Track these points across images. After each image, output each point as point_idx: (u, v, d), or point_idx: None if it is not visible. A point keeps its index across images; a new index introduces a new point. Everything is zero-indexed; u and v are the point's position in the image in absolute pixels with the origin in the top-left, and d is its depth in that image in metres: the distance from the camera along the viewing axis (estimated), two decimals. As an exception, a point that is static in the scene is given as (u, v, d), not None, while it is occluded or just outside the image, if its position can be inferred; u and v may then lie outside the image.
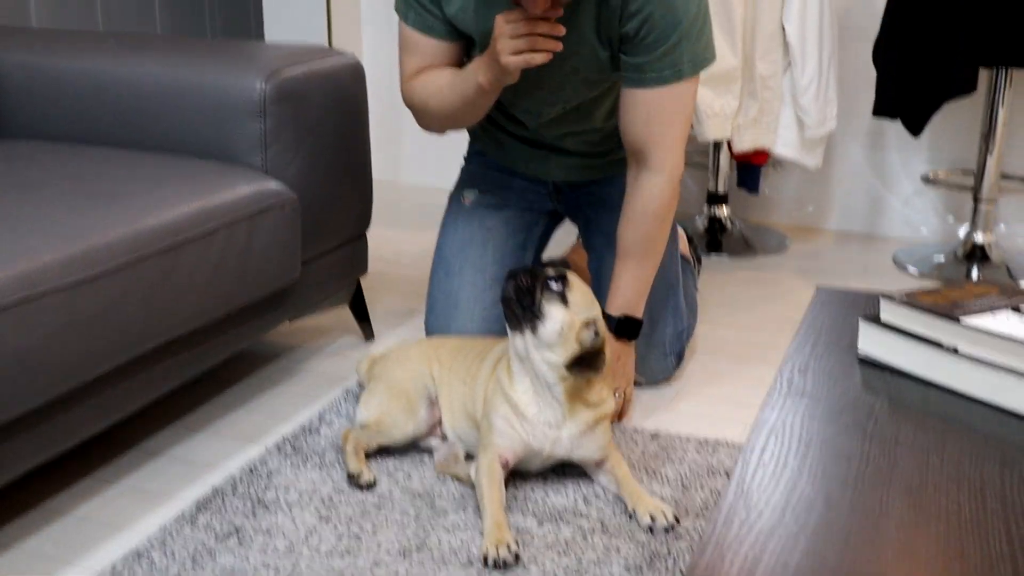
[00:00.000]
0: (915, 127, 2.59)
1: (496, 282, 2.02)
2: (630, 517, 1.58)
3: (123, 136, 1.99)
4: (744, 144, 2.68)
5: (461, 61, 1.88)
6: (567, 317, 1.54)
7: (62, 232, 1.49)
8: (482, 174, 2.14)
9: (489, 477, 1.57)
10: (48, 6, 3.77)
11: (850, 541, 0.85)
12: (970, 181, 2.84)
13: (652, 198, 1.84)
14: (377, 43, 3.55)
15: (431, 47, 1.85)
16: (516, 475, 1.66)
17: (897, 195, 3.06)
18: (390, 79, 3.51)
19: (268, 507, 1.61)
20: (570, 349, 1.54)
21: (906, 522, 0.88)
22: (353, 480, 1.66)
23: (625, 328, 1.89)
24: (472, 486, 1.64)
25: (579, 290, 1.58)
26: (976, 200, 2.79)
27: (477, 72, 1.74)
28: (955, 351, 1.11)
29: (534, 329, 1.54)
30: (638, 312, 1.90)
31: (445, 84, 1.83)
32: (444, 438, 1.76)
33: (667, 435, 1.84)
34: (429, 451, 1.77)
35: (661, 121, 1.80)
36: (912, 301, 1.16)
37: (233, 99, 1.88)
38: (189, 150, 1.93)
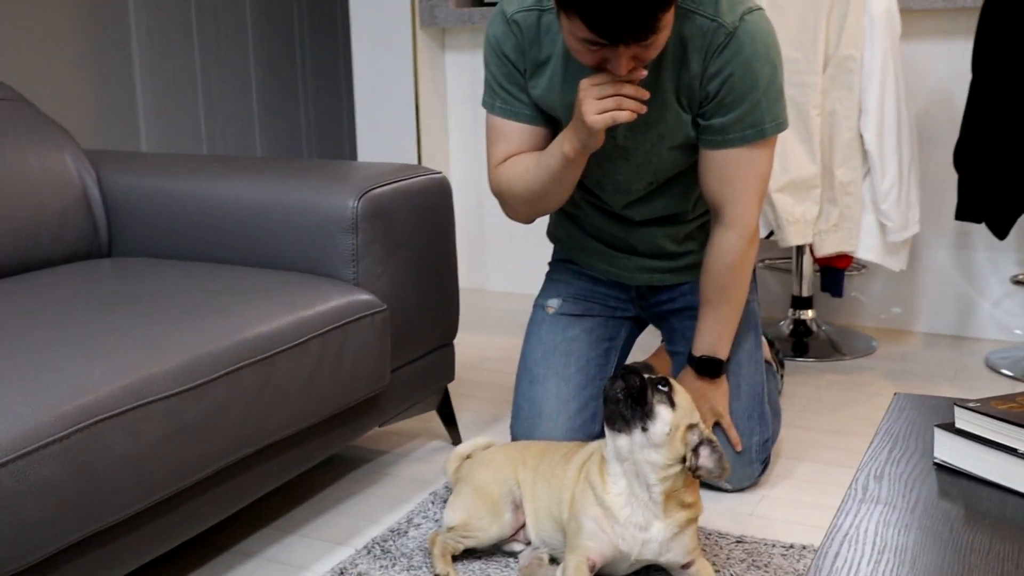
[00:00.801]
0: (1000, 231, 2.58)
1: (580, 390, 2.06)
2: (714, 624, 1.57)
3: (225, 252, 2.11)
4: (826, 249, 2.69)
5: (546, 146, 1.92)
6: (674, 419, 1.58)
7: (168, 344, 1.58)
8: (566, 282, 2.19)
9: (575, 580, 1.58)
10: (157, 133, 4.02)
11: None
12: (1061, 282, 2.80)
13: (724, 252, 1.92)
14: (463, 158, 3.69)
15: (518, 132, 1.93)
16: (599, 580, 1.67)
17: (987, 296, 3.03)
18: (476, 192, 3.65)
19: (357, 610, 1.64)
20: (675, 451, 1.57)
21: (980, 630, 0.89)
22: (440, 583, 1.69)
23: (706, 367, 1.99)
24: (556, 591, 1.65)
25: (682, 394, 1.62)
26: (1068, 301, 2.75)
27: (563, 143, 1.80)
28: (1031, 458, 1.12)
29: (645, 428, 1.57)
30: (720, 353, 2.00)
31: (531, 163, 1.90)
32: (528, 542, 1.78)
33: (752, 540, 1.84)
34: (514, 555, 1.79)
35: (737, 180, 1.87)
36: (986, 409, 1.17)
37: (327, 216, 1.98)
38: (285, 264, 2.04)
